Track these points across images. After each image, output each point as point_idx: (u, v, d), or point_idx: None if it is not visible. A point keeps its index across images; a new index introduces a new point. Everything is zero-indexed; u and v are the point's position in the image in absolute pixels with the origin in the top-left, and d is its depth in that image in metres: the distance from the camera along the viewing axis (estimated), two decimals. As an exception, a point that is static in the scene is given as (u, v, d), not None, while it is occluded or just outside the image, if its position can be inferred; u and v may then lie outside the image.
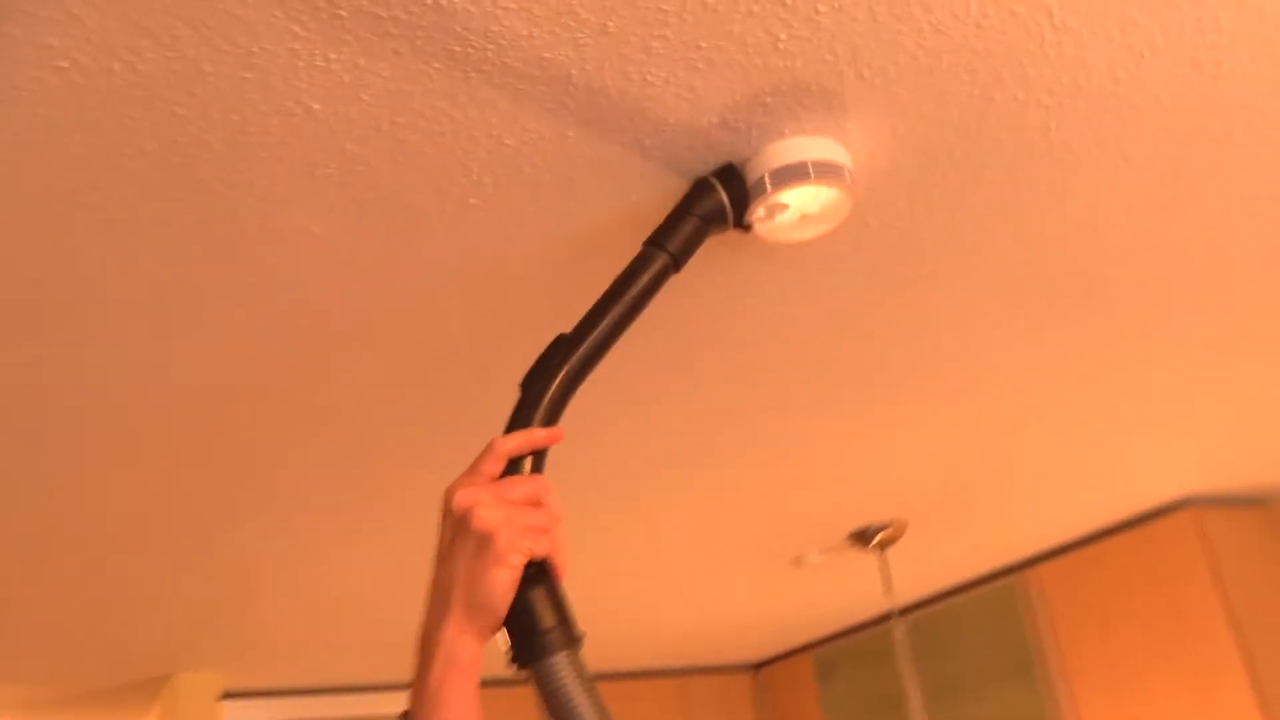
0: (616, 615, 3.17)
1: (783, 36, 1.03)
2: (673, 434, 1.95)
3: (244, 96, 1.01)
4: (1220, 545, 2.76)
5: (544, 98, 1.08)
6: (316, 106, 1.04)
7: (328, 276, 1.34)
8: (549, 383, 0.96)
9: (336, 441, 1.79)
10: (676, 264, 1.17)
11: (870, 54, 1.07)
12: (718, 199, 1.20)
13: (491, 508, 0.78)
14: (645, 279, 1.13)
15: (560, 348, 1.00)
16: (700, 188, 1.22)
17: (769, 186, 1.18)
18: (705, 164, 1.22)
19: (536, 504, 0.81)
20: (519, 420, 0.93)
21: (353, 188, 1.18)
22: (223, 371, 1.52)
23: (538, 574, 0.80)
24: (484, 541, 0.77)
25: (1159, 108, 1.22)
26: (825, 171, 1.18)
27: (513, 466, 0.86)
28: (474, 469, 0.84)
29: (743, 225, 1.23)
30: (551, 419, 0.94)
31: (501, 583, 0.77)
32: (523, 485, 0.83)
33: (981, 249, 1.48)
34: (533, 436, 0.88)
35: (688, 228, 1.19)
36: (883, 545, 2.78)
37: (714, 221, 1.21)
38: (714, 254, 1.39)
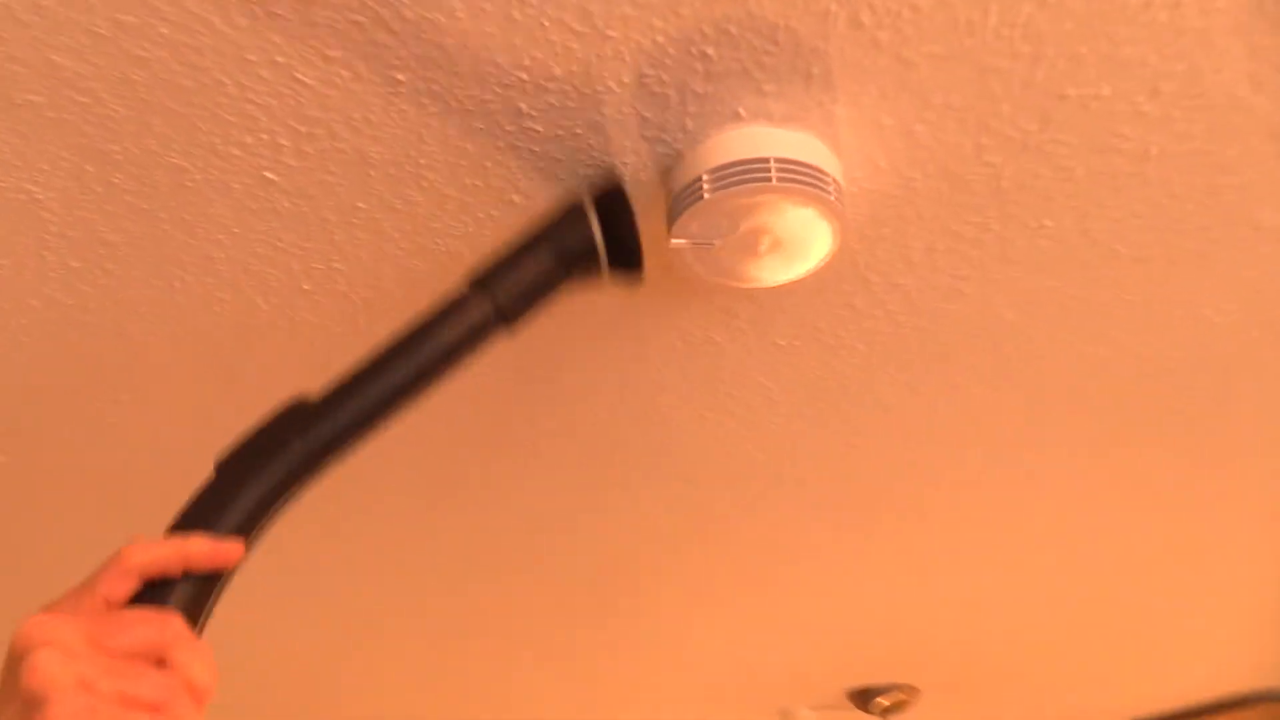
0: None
1: (724, -72, 0.64)
2: (622, 561, 1.51)
3: None
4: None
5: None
6: None
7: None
8: (262, 468, 0.63)
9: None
10: (505, 318, 0.76)
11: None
12: (584, 227, 0.79)
13: (63, 657, 0.47)
14: (452, 334, 0.74)
15: (294, 420, 0.67)
16: (570, 209, 0.81)
17: (705, 191, 0.77)
18: (600, 167, 0.82)
19: (155, 661, 0.51)
20: (195, 516, 0.60)
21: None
22: None
23: None
24: (32, 708, 0.46)
25: (1314, 124, 0.80)
26: (797, 176, 0.77)
27: (153, 593, 0.55)
28: (81, 587, 0.53)
29: (628, 265, 0.81)
30: (250, 523, 0.61)
31: None
32: (136, 628, 0.51)
33: (1037, 331, 1.05)
34: (188, 548, 0.56)
35: (531, 266, 0.78)
36: (887, 712, 2.28)
37: (575, 260, 0.79)
38: (664, 306, 0.98)
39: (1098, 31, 0.72)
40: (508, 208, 0.86)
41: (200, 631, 0.56)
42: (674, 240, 0.80)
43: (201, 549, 0.56)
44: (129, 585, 0.53)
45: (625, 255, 0.80)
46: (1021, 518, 1.44)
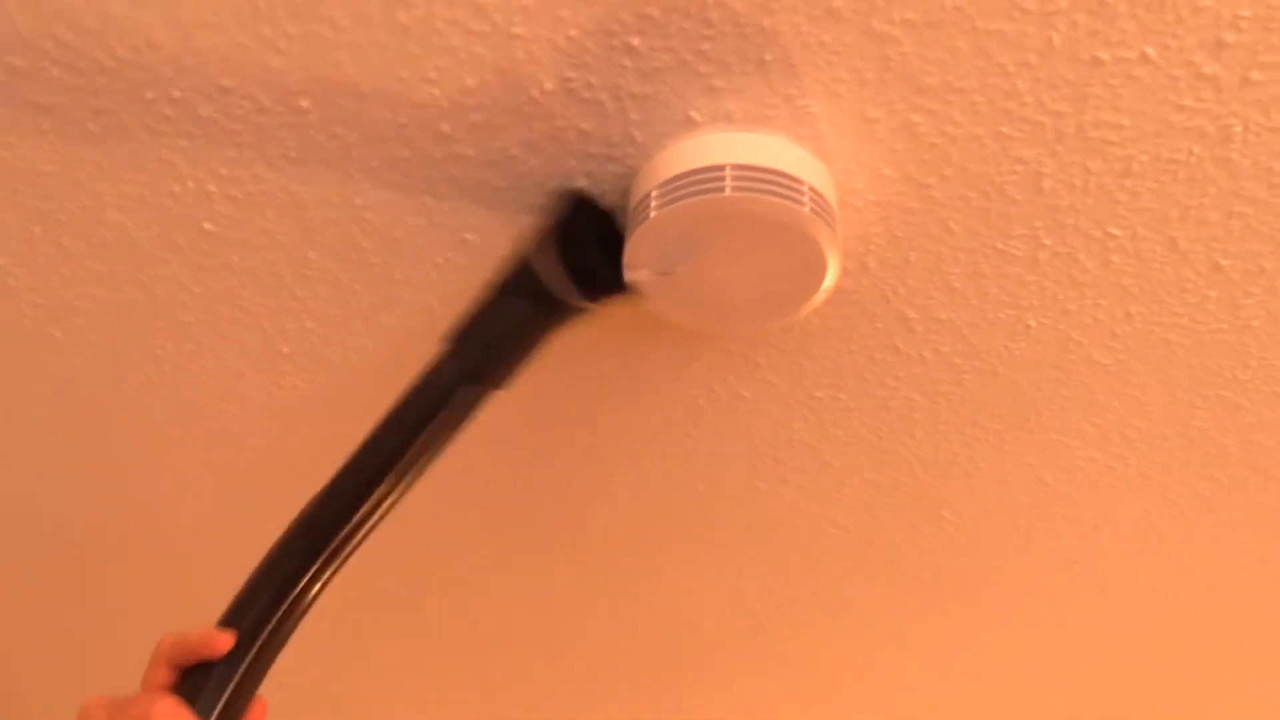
0: None
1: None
2: (685, 647, 1.35)
3: None
4: None
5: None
6: None
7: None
8: (269, 568, 0.67)
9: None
10: (479, 378, 0.70)
11: (797, -71, 0.55)
12: (540, 258, 0.69)
13: None
14: (428, 405, 0.70)
15: (301, 519, 0.69)
16: (525, 241, 0.72)
17: (652, 209, 0.65)
18: (553, 194, 0.71)
19: None
20: (228, 612, 0.65)
21: (15, 205, 0.76)
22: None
23: None
24: None
25: None
26: (760, 184, 0.63)
27: (186, 678, 0.62)
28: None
29: (607, 288, 0.70)
30: (258, 619, 0.64)
31: None
32: (134, 706, 0.59)
33: (1136, 371, 0.85)
34: (186, 637, 0.62)
35: (497, 315, 0.71)
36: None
37: (545, 298, 0.69)
38: (673, 358, 0.86)
39: (1120, -29, 0.56)
40: (463, 249, 0.77)
41: (234, 711, 0.62)
42: (628, 272, 0.68)
43: (196, 638, 0.62)
44: (162, 671, 0.62)
45: (598, 278, 0.69)
46: (1154, 594, 1.19)
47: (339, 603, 1.22)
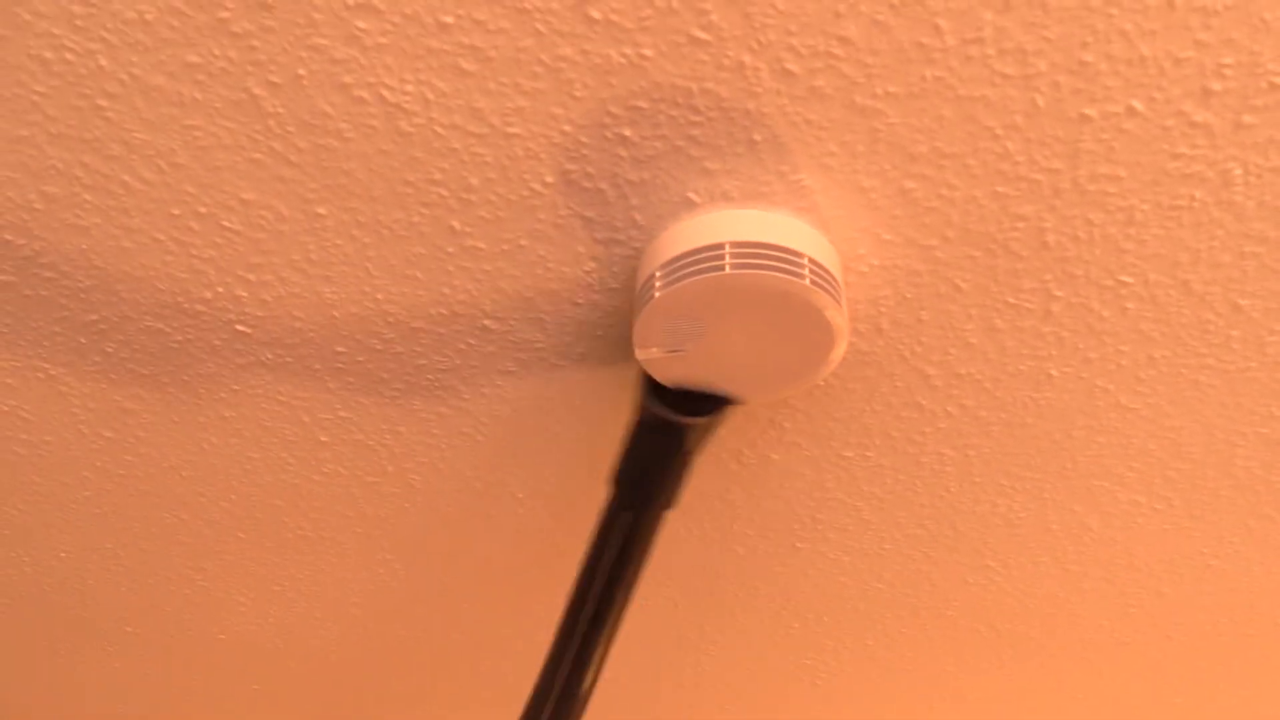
0: None
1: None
2: (741, 711, 1.34)
3: None
4: None
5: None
6: None
7: (122, 460, 0.95)
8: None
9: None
10: (638, 509, 0.79)
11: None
12: (648, 397, 0.75)
13: None
14: (614, 548, 0.81)
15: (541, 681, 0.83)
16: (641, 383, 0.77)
17: (657, 289, 0.66)
18: (564, 279, 0.73)
19: None
20: None
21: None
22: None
23: None
24: None
25: None
26: (759, 261, 0.65)
27: None
28: None
29: (699, 414, 0.75)
30: None
31: None
32: None
33: (1169, 414, 0.84)
34: None
35: (642, 453, 0.77)
36: None
37: (668, 432, 0.75)
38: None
39: (1097, 31, 0.57)
40: (483, 335, 0.79)
41: None
42: (638, 352, 0.70)
43: None
44: None
45: (695, 402, 0.73)
46: (1215, 634, 1.15)
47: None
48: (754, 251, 0.65)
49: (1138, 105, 0.60)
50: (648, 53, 0.59)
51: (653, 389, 0.74)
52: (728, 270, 0.64)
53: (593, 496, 0.96)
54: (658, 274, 0.67)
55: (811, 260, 0.66)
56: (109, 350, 0.83)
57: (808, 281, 0.65)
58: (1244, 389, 0.80)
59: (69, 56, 0.61)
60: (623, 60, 0.59)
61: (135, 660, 1.31)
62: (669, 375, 0.72)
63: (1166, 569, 1.03)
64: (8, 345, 0.83)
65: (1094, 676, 1.22)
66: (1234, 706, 1.27)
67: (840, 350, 0.69)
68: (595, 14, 0.57)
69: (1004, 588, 1.07)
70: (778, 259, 0.65)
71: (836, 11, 0.56)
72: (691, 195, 0.67)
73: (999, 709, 1.29)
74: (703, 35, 0.58)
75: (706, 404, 0.74)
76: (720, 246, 0.65)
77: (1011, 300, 0.74)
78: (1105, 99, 0.60)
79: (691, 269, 0.65)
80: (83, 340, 0.83)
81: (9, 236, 0.73)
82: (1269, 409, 0.82)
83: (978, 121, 0.62)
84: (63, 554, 1.10)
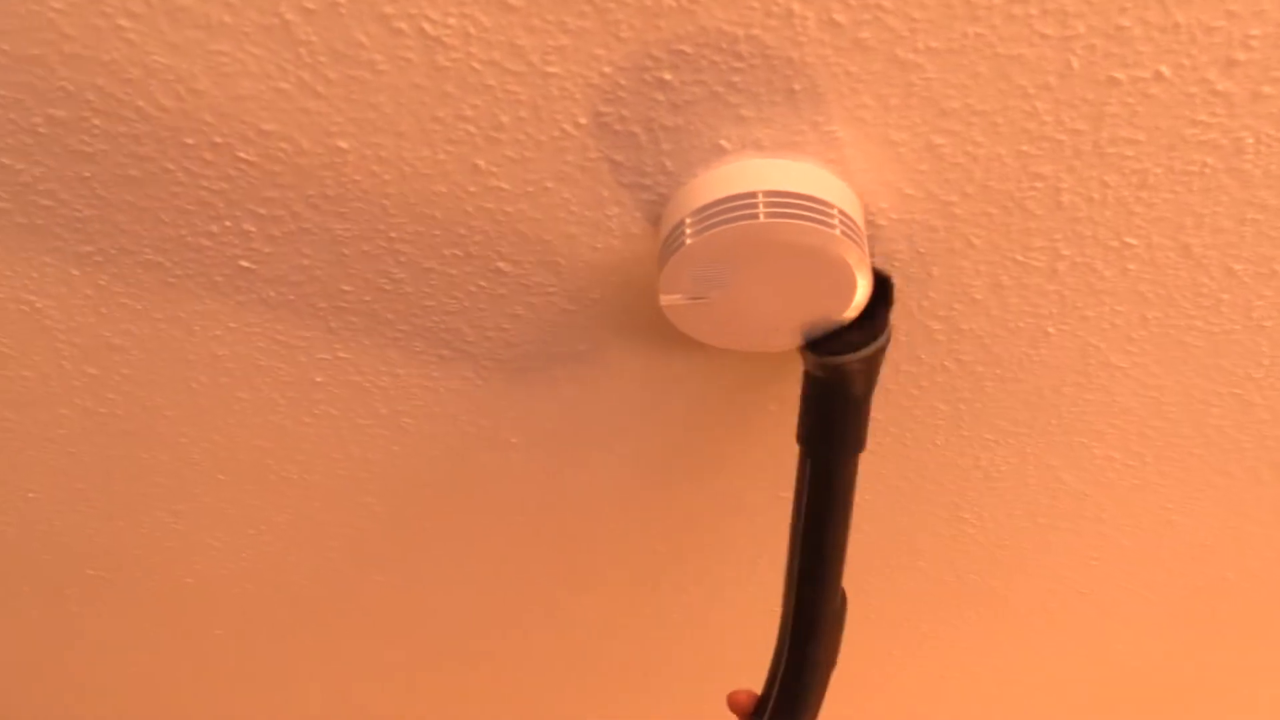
0: None
1: (639, -71, 0.55)
2: (711, 652, 1.37)
3: None
4: None
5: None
6: None
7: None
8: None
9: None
10: (843, 451, 0.78)
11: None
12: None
13: None
14: (821, 492, 0.79)
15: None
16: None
17: (687, 237, 0.67)
18: (586, 222, 0.73)
19: None
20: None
21: (57, 250, 0.77)
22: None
23: None
24: None
25: None
26: (792, 210, 0.65)
27: None
28: None
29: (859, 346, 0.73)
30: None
31: None
32: None
33: (1154, 373, 0.87)
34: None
35: (818, 402, 0.76)
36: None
37: (835, 376, 0.74)
38: (704, 371, 0.88)
39: (1137, -3, 0.58)
40: (496, 277, 0.79)
41: None
42: (663, 298, 0.70)
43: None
44: None
45: (853, 338, 0.73)
46: (1171, 587, 1.21)
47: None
48: (787, 201, 0.65)
49: (1165, 71, 0.62)
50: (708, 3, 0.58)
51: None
52: (762, 219, 0.65)
53: (588, 445, 0.97)
54: (688, 220, 0.67)
55: (841, 211, 0.67)
56: (102, 283, 0.81)
57: (838, 233, 0.66)
58: (1226, 350, 0.84)
59: (92, -28, 0.59)
60: (673, 3, 0.59)
61: (93, 603, 1.29)
62: (688, 322, 0.73)
63: (1131, 522, 1.07)
64: (-7, 275, 0.80)
65: (1050, 625, 1.27)
66: (1181, 656, 1.34)
67: (860, 303, 0.71)
68: (651, -47, 0.57)
69: (975, 539, 1.11)
70: (810, 210, 0.66)
71: (890, -37, 0.57)
72: (723, 142, 0.67)
73: (957, 655, 1.34)
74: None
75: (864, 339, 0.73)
76: (754, 195, 0.66)
77: (1020, 258, 0.76)
78: (1135, 64, 0.62)
79: (724, 217, 0.66)
80: (75, 273, 0.80)
81: (7, 160, 0.70)
82: (1246, 371, 0.86)
83: (1011, 80, 0.63)
84: (30, 494, 1.07)
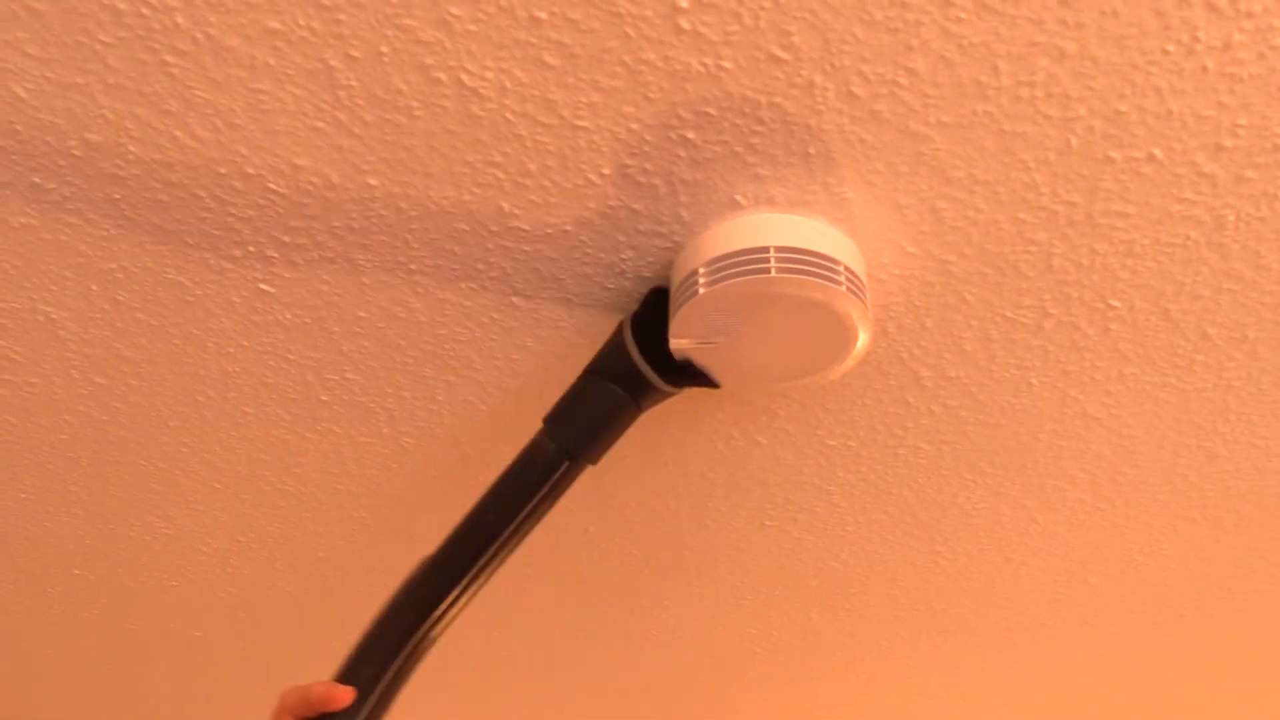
0: None
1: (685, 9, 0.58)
2: (694, 678, 1.41)
3: None
4: None
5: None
6: None
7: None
8: (380, 628, 0.75)
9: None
10: (574, 456, 0.77)
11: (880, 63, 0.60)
12: (622, 347, 0.76)
13: None
14: (529, 482, 0.78)
15: (408, 584, 0.77)
16: (614, 331, 0.79)
17: (701, 286, 0.70)
18: (598, 264, 0.76)
19: None
20: (343, 668, 0.73)
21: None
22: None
23: None
24: None
25: None
26: (801, 265, 0.69)
27: None
28: None
29: (692, 376, 0.77)
30: (370, 676, 0.72)
31: None
32: None
33: (1128, 425, 0.92)
34: (310, 692, 0.70)
35: (590, 400, 0.78)
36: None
37: (633, 383, 0.76)
38: (699, 408, 0.91)
39: (1136, 85, 0.62)
40: (509, 310, 0.81)
41: None
42: (673, 341, 0.73)
43: (319, 693, 0.69)
44: None
45: (682, 369, 0.75)
46: (1131, 623, 1.26)
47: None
48: (797, 257, 0.69)
49: (1157, 153, 0.66)
50: (727, 65, 0.62)
51: (644, 349, 0.75)
52: (773, 273, 0.68)
53: (589, 472, 1.00)
54: (702, 270, 0.70)
55: (847, 268, 0.70)
56: (120, 299, 0.82)
57: (844, 289, 0.69)
58: (1197, 406, 0.89)
59: (144, 10, 0.61)
60: (701, 69, 0.62)
61: (76, 604, 1.29)
62: (705, 365, 0.76)
63: (1097, 562, 1.12)
64: (11, 285, 0.82)
65: (1013, 655, 1.32)
66: (1139, 687, 1.40)
67: (860, 354, 0.74)
68: (685, 24, 0.60)
69: (948, 571, 1.15)
70: (818, 266, 0.69)
71: (909, 45, 0.60)
72: (738, 197, 0.71)
73: (925, 681, 1.38)
74: (782, 54, 0.61)
75: (694, 379, 0.78)
76: (765, 250, 0.69)
77: (1009, 314, 0.80)
78: (1130, 145, 0.66)
79: (737, 269, 0.69)
80: (94, 288, 0.81)
81: (39, 180, 0.72)
82: (1214, 425, 0.91)
83: (1014, 154, 0.67)
84: (23, 495, 1.08)
